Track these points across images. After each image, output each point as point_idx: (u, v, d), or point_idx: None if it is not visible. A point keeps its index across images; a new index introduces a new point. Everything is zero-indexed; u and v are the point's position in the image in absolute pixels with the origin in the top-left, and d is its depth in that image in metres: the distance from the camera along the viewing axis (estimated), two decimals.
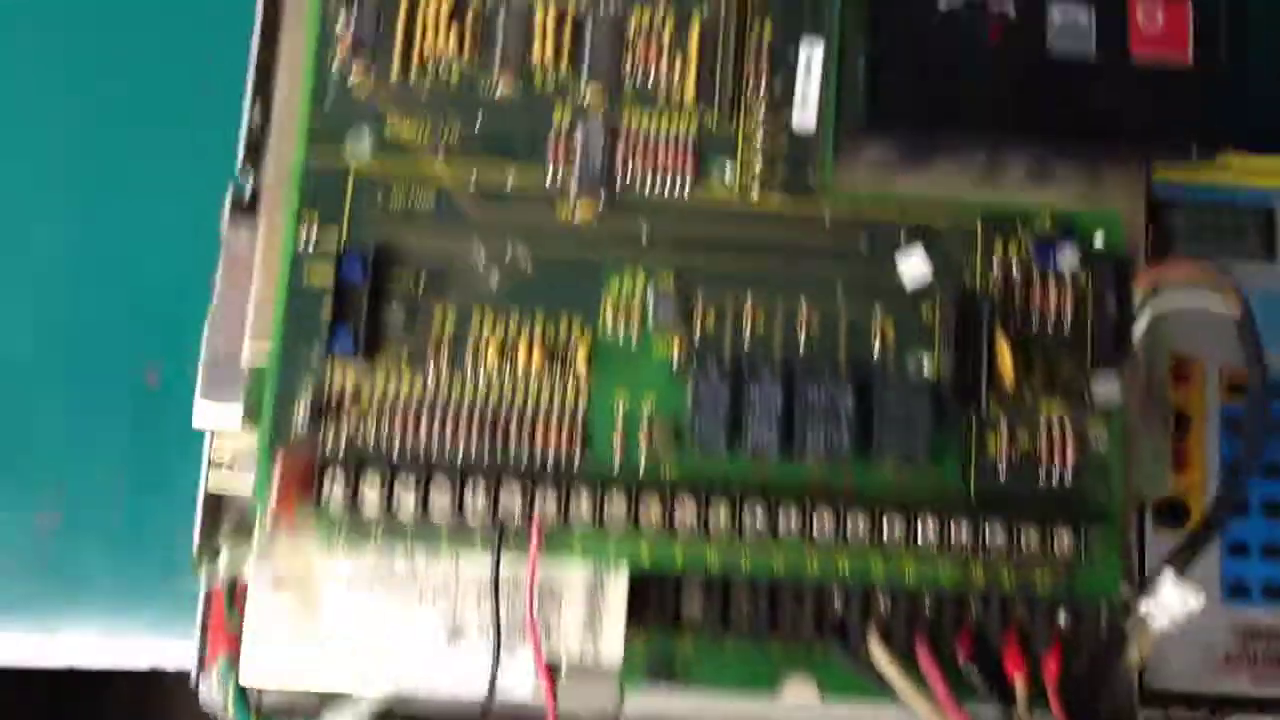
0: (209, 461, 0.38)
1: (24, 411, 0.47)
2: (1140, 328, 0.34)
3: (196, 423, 0.38)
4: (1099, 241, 0.37)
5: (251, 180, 0.39)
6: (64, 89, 0.48)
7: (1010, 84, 0.34)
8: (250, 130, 0.39)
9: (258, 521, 0.35)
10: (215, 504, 0.39)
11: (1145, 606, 0.36)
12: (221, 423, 0.37)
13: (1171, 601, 0.36)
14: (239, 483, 0.38)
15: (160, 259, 0.47)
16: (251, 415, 0.37)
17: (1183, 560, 0.36)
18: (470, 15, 0.37)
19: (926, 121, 0.35)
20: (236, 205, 0.38)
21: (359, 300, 0.35)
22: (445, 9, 0.37)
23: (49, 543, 0.47)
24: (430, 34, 0.37)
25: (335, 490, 0.35)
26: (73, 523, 0.47)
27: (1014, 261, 0.37)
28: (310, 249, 0.36)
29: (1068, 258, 0.35)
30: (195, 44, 0.48)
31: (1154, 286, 0.34)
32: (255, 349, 0.36)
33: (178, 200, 0.47)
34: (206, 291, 0.39)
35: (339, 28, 0.37)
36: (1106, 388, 0.35)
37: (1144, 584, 0.36)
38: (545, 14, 0.37)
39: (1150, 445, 0.37)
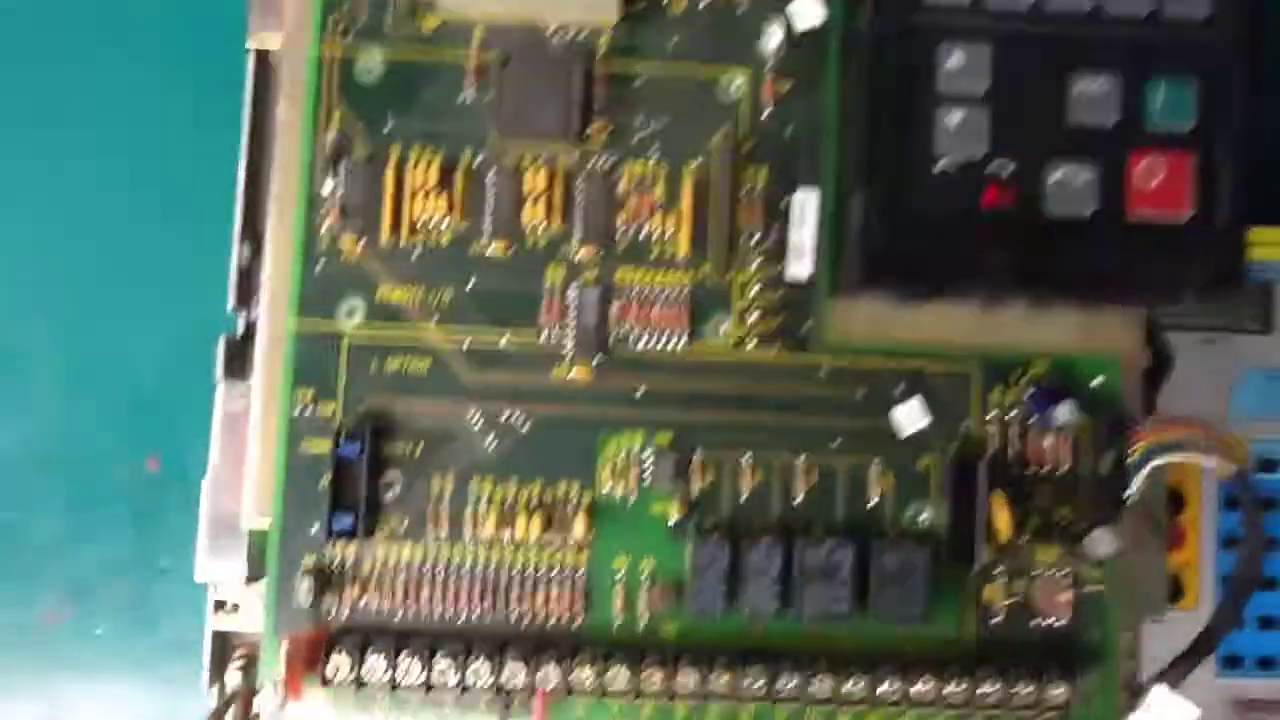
0: (213, 604, 0.39)
1: (26, 504, 0.48)
2: (1137, 484, 0.34)
3: (199, 577, 0.38)
4: (1098, 384, 0.37)
5: (243, 322, 0.39)
6: (57, 180, 0.48)
7: (1007, 244, 0.34)
8: (240, 269, 0.39)
9: (267, 693, 0.36)
10: (222, 640, 0.39)
11: None
12: (224, 578, 0.38)
13: (1165, 717, 0.36)
14: (244, 623, 0.39)
15: (157, 347, 0.48)
16: (253, 574, 0.37)
17: (1176, 676, 0.36)
18: (459, 176, 0.37)
19: (923, 279, 0.35)
20: (229, 356, 0.38)
21: (357, 477, 0.35)
22: (434, 171, 0.37)
23: (57, 633, 0.48)
24: (420, 197, 0.37)
25: (341, 663, 0.35)
26: (82, 612, 0.48)
27: (1012, 410, 0.37)
28: (306, 416, 0.36)
29: (1064, 416, 0.35)
30: (189, 137, 0.48)
31: (1151, 444, 0.34)
32: (256, 515, 0.36)
33: (174, 289, 0.48)
34: (205, 378, 0.39)
35: (326, 192, 0.37)
36: (1102, 545, 0.35)
37: (1137, 696, 0.36)
38: (535, 172, 0.37)
39: (1146, 569, 0.37)
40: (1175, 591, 0.42)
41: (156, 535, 0.48)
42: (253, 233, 0.38)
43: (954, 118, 0.34)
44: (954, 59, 0.34)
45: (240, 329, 0.39)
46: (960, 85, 0.34)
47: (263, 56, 0.39)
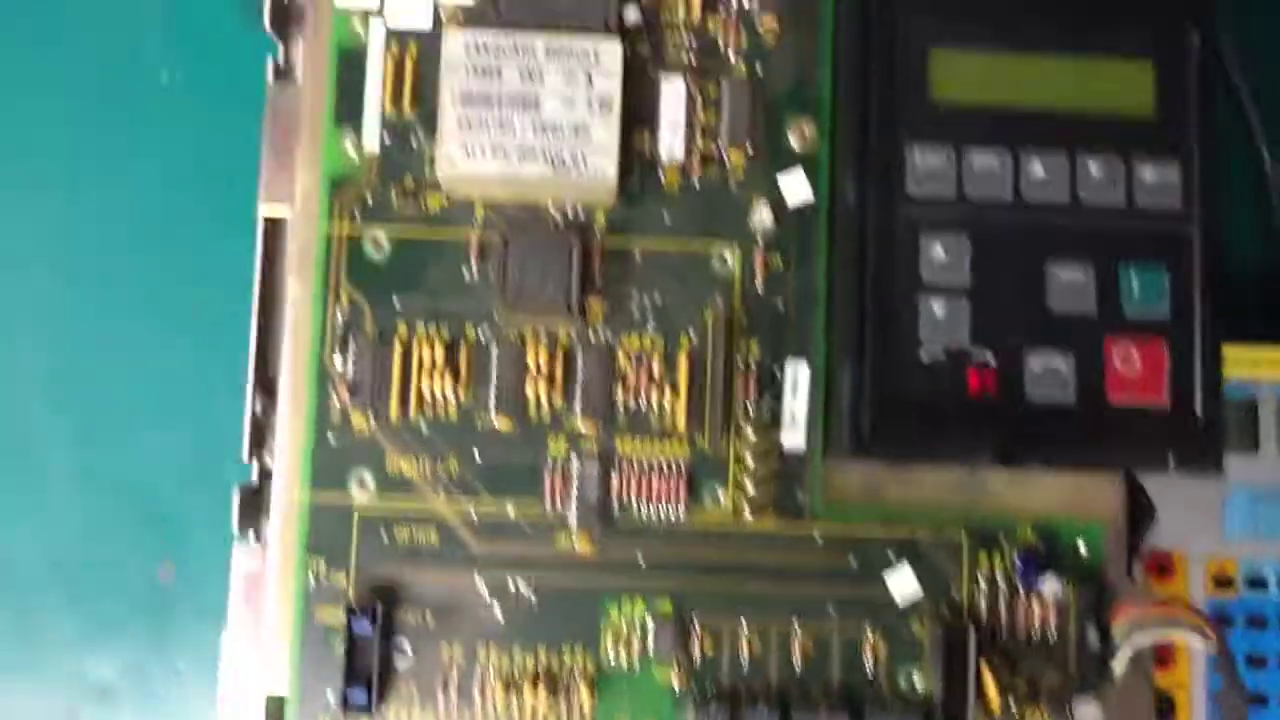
0: None
1: (43, 609, 0.49)
2: (1121, 660, 0.35)
3: None
4: (1082, 549, 0.38)
5: (257, 469, 0.40)
6: (77, 291, 0.50)
7: (990, 427, 0.35)
8: (254, 420, 0.40)
9: None
10: None
11: None
12: None
13: None
14: None
15: (171, 455, 0.49)
16: None
17: None
18: (464, 352, 0.38)
19: (908, 455, 0.36)
20: (245, 510, 0.39)
21: (370, 652, 0.37)
22: (440, 347, 0.38)
23: None
24: (426, 373, 0.38)
25: None
26: (103, 717, 0.49)
27: (998, 575, 0.38)
28: (320, 586, 0.38)
29: (1050, 587, 0.37)
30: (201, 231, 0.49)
31: (1133, 621, 0.35)
32: (272, 682, 0.38)
33: (190, 399, 0.49)
34: (217, 488, 0.41)
35: (336, 367, 0.38)
36: (1088, 714, 0.36)
37: None
38: (537, 347, 0.38)
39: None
40: (1167, 710, 0.44)
41: (172, 641, 0.49)
42: (266, 381, 0.40)
43: (937, 306, 0.35)
44: (935, 250, 0.35)
45: (255, 477, 0.40)
46: (942, 275, 0.35)
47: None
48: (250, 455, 0.40)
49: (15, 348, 0.49)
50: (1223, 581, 0.44)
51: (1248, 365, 0.44)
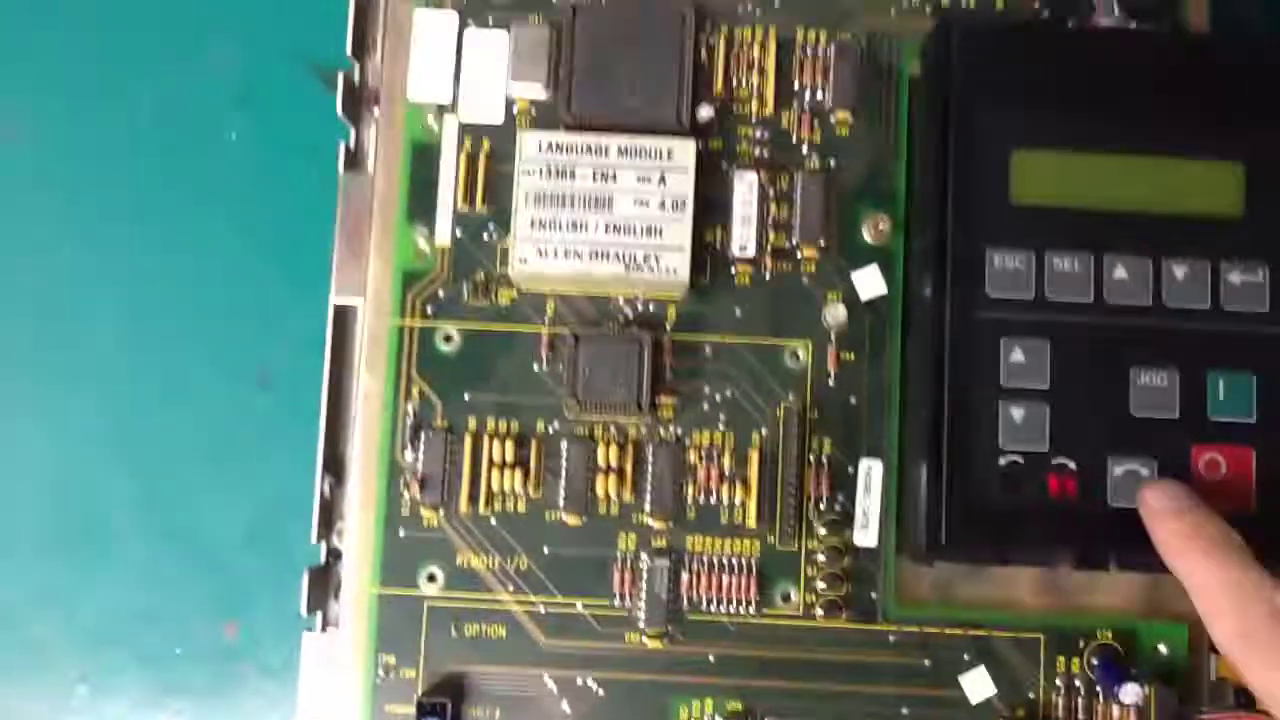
0: None
1: (105, 669, 0.50)
2: None
3: None
4: (1163, 650, 0.37)
5: (324, 552, 0.40)
6: (147, 357, 0.50)
7: (1071, 532, 0.35)
8: (323, 502, 0.40)
9: None
10: None
11: None
12: None
13: None
14: None
15: (233, 515, 0.49)
16: None
17: None
18: (533, 447, 0.38)
19: (985, 558, 0.36)
20: (314, 590, 0.39)
21: None
22: (510, 441, 0.38)
23: None
24: (495, 468, 0.38)
25: None
26: None
27: (1077, 678, 0.37)
28: (389, 680, 0.38)
29: (1130, 693, 0.36)
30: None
31: None
32: None
33: (258, 459, 0.49)
34: (282, 550, 0.41)
35: (406, 459, 0.38)
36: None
37: None
38: (607, 444, 0.38)
39: None
40: None
41: (237, 698, 0.49)
42: (335, 465, 0.40)
43: (1016, 411, 0.35)
44: (1014, 355, 0.35)
45: (323, 557, 0.40)
46: (1022, 380, 0.35)
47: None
48: (319, 537, 0.40)
49: (82, 409, 0.50)
50: None
51: None
